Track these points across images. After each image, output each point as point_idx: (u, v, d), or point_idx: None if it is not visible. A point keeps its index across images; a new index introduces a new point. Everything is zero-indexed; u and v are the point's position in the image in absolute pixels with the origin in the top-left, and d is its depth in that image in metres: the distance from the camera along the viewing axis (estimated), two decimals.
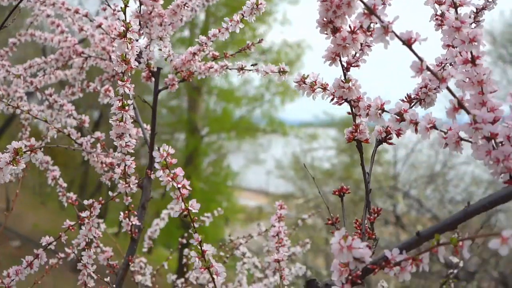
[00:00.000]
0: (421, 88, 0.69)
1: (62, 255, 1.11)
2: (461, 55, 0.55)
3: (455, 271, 1.09)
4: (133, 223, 0.98)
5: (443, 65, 0.70)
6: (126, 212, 0.97)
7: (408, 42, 0.51)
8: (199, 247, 0.65)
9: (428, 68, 0.51)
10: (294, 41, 10.27)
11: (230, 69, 0.99)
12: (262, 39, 1.01)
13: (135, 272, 1.33)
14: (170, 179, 0.62)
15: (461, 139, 0.55)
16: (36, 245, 1.07)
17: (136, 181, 0.91)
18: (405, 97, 0.70)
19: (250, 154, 12.31)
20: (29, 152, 0.68)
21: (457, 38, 0.54)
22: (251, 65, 0.94)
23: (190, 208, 0.63)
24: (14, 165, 0.68)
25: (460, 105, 0.52)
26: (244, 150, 12.28)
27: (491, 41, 9.19)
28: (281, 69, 0.84)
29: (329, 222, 0.58)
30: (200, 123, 11.67)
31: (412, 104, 0.70)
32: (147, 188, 1.02)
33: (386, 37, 0.51)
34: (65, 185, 1.12)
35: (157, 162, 0.61)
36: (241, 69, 0.96)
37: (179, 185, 0.63)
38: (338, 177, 9.22)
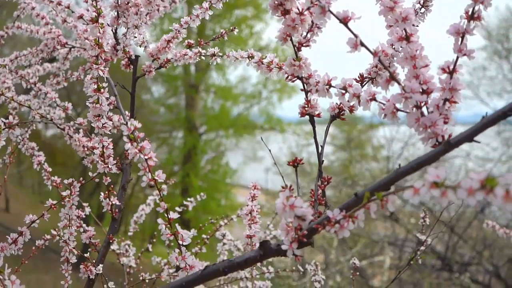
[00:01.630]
0: (372, 67, 0.75)
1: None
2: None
3: (423, 248, 1.14)
4: (113, 203, 1.03)
5: (393, 46, 0.76)
6: (107, 192, 1.02)
7: (344, 21, 0.57)
8: (165, 215, 0.71)
9: (362, 44, 0.56)
10: None
11: (203, 55, 1.04)
12: (234, 27, 1.07)
13: (120, 254, 1.38)
14: (138, 151, 0.68)
15: (397, 109, 0.61)
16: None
17: (115, 162, 0.97)
18: (358, 76, 0.75)
19: (248, 151, 12.37)
20: (7, 129, 0.73)
21: (391, 17, 0.59)
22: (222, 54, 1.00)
23: (156, 178, 0.69)
24: None
25: (392, 77, 0.57)
26: (242, 148, 12.34)
27: (486, 36, 9.24)
28: (250, 55, 0.89)
29: (283, 189, 0.63)
30: (198, 121, 11.72)
31: (365, 82, 0.75)
32: (127, 170, 1.07)
33: (324, 17, 0.56)
34: (50, 169, 1.17)
35: (125, 135, 0.67)
36: (213, 55, 1.02)
37: (146, 157, 0.68)
38: (335, 173, 9.27)
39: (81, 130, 1.10)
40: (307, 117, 0.73)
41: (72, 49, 1.25)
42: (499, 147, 8.19)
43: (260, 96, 12.14)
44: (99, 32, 0.77)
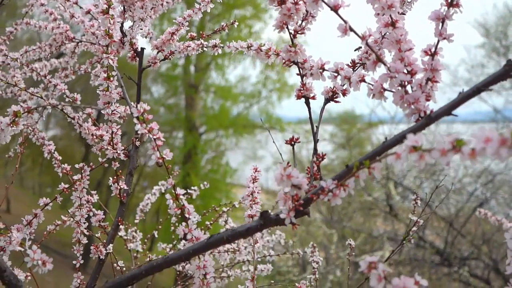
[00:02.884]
0: (363, 53, 0.81)
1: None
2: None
3: (415, 228, 1.20)
4: (122, 187, 1.09)
5: (381, 32, 0.81)
6: (115, 177, 1.08)
7: (335, 8, 0.63)
8: (173, 191, 0.76)
9: (351, 29, 0.62)
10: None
11: (205, 47, 1.10)
12: (235, 21, 1.12)
13: (127, 240, 1.44)
14: (147, 132, 0.73)
15: (384, 89, 0.67)
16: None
17: (123, 148, 1.02)
18: (350, 62, 0.81)
19: (248, 151, 12.43)
20: (26, 113, 0.79)
21: (378, 6, 0.65)
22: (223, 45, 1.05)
23: (164, 156, 0.75)
24: (14, 125, 0.79)
25: (378, 59, 0.63)
26: (242, 147, 12.40)
27: (484, 33, 9.29)
28: (249, 45, 0.95)
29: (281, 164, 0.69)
30: (198, 121, 11.77)
31: (356, 67, 0.81)
32: (134, 157, 1.13)
33: (317, 5, 0.62)
34: (60, 158, 1.23)
35: (135, 117, 0.73)
36: (214, 46, 1.08)
37: (155, 137, 0.74)
38: (336, 171, 9.30)
39: (89, 120, 1.16)
40: (305, 115, 0.79)
41: (79, 43, 1.31)
42: None
43: (259, 96, 12.20)
44: (110, 23, 0.83)
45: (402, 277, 0.51)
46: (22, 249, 0.73)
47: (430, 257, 6.17)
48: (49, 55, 1.31)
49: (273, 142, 1.09)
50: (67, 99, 1.27)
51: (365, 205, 6.74)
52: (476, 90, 0.57)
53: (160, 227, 1.70)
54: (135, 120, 0.73)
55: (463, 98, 0.58)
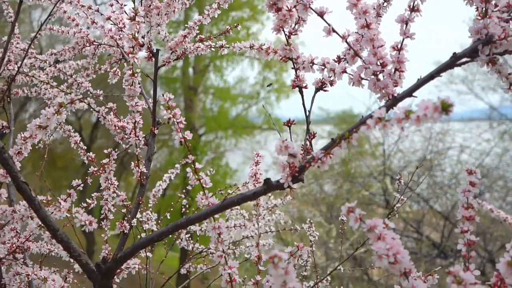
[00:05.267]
0: (346, 50, 0.97)
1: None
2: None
3: (398, 205, 1.36)
4: (142, 171, 1.26)
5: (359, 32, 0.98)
6: (136, 161, 1.25)
7: (321, 14, 0.79)
8: (192, 165, 0.93)
9: (333, 30, 0.79)
10: None
11: (213, 48, 1.27)
12: (238, 24, 1.29)
13: (143, 221, 1.61)
14: (172, 116, 0.90)
15: (361, 78, 0.83)
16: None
17: (144, 135, 1.19)
18: (336, 57, 0.98)
19: (247, 151, 12.58)
20: (69, 104, 0.95)
21: (355, 11, 0.82)
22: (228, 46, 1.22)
23: (185, 136, 0.91)
24: (58, 115, 0.95)
25: (355, 54, 0.80)
26: (242, 148, 12.56)
27: None
28: (251, 45, 1.12)
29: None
30: (197, 122, 11.93)
31: (341, 62, 0.98)
32: (151, 144, 1.30)
33: (306, 12, 0.79)
34: (85, 147, 1.40)
35: (162, 104, 0.89)
36: (221, 46, 1.24)
37: (178, 120, 0.90)
38: (336, 170, 9.48)
39: (111, 112, 1.32)
40: (304, 115, 0.95)
41: (99, 46, 1.47)
42: (494, 139, 8.44)
43: (258, 96, 12.37)
44: (136, 28, 0.99)
45: (374, 219, 0.68)
46: (69, 215, 0.89)
47: (426, 250, 6.34)
48: (73, 56, 1.48)
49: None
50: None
51: (363, 201, 6.91)
52: (430, 76, 0.74)
53: (172, 209, 1.86)
54: (162, 107, 0.90)
55: (421, 82, 0.75)
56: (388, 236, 0.66)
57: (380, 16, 0.96)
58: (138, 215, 1.62)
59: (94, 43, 1.49)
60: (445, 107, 0.56)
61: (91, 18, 1.42)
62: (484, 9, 0.72)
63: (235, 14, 11.44)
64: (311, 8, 0.79)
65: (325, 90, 0.97)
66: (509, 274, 0.56)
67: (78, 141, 1.41)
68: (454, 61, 0.73)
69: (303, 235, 7.26)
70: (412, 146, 7.74)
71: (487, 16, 0.72)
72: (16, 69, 1.42)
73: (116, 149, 1.28)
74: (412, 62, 0.85)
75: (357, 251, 5.46)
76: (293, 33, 0.89)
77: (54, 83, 1.30)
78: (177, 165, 1.84)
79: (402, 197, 1.36)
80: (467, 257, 0.77)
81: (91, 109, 1.29)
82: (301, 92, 0.93)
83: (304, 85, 0.92)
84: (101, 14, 1.38)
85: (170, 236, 2.15)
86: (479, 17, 0.72)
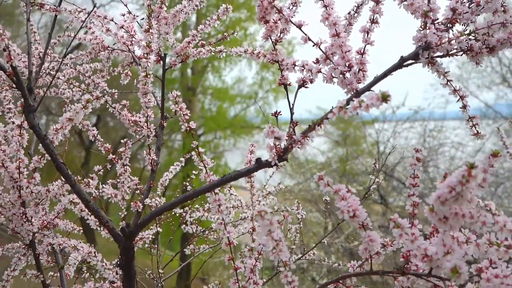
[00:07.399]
0: (321, 54, 1.18)
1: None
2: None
3: (374, 186, 1.56)
4: (153, 158, 1.46)
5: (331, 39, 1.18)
6: (148, 150, 1.45)
7: (299, 26, 1.00)
8: (196, 150, 1.14)
9: (309, 39, 1.00)
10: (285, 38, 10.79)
11: (213, 52, 1.47)
12: (234, 31, 1.50)
13: (152, 206, 1.81)
14: (178, 109, 1.11)
15: (333, 76, 1.04)
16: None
17: (155, 127, 1.39)
18: (315, 59, 1.18)
19: (246, 151, 12.74)
20: (95, 100, 1.16)
21: (327, 23, 1.03)
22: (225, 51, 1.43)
23: (190, 126, 1.12)
24: (85, 109, 1.16)
25: (327, 57, 1.01)
26: (240, 148, 12.75)
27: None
28: (246, 50, 1.32)
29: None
30: (196, 122, 12.13)
31: (320, 64, 1.18)
32: (161, 135, 1.50)
33: (287, 24, 1.00)
34: (102, 140, 1.60)
35: (170, 100, 1.10)
36: (220, 51, 1.45)
37: (184, 113, 1.11)
38: (333, 169, 9.68)
39: (125, 109, 1.53)
40: (302, 114, 1.16)
41: (113, 51, 1.68)
42: (489, 137, 8.65)
43: (256, 96, 12.55)
44: (150, 38, 1.20)
45: (338, 184, 0.88)
46: (97, 192, 1.10)
47: None
48: (90, 60, 1.68)
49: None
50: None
51: (358, 196, 7.10)
52: (384, 75, 0.95)
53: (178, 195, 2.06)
54: (170, 102, 1.11)
55: (376, 80, 0.95)
56: (350, 197, 0.87)
57: (351, 25, 1.17)
58: (148, 201, 1.82)
59: (109, 48, 1.69)
60: (384, 98, 0.77)
61: (106, 27, 1.63)
62: (424, 22, 0.93)
63: (232, 15, 11.63)
64: (291, 21, 1.00)
65: (306, 87, 1.17)
66: (432, 218, 0.77)
67: (96, 134, 1.61)
68: (401, 63, 0.94)
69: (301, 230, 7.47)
70: (407, 143, 7.97)
71: (427, 28, 0.92)
72: (45, 71, 1.63)
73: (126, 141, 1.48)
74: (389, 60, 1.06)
75: (352, 245, 5.67)
76: (278, 40, 1.10)
77: (77, 83, 1.50)
78: (182, 159, 2.05)
79: (378, 180, 1.56)
80: (412, 214, 0.98)
81: (108, 106, 1.49)
82: (285, 88, 1.14)
83: (288, 82, 1.13)
84: (115, 23, 1.58)
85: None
86: (421, 28, 0.93)
